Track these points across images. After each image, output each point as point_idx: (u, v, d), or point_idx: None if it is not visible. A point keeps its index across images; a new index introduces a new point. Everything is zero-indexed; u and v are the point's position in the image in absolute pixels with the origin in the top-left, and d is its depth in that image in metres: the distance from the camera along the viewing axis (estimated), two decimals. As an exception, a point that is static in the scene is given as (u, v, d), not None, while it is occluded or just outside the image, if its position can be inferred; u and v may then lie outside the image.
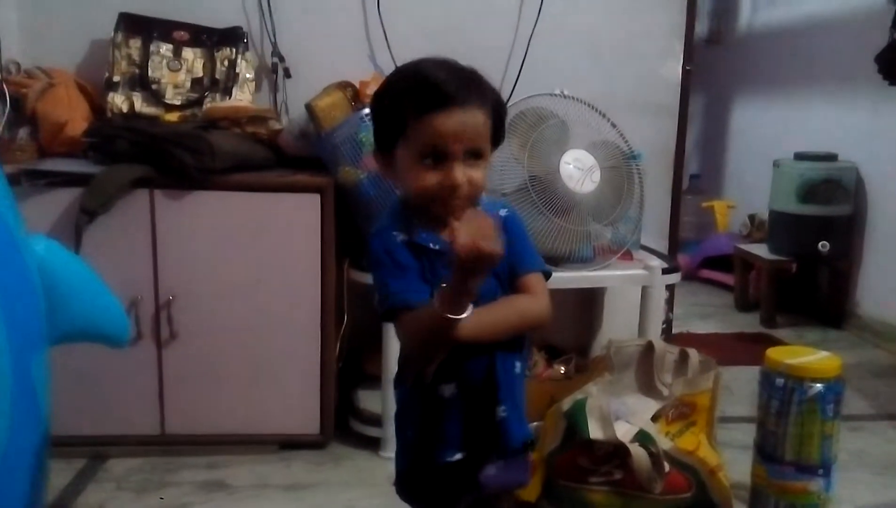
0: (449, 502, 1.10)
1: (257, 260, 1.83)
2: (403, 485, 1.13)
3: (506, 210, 1.09)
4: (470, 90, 0.98)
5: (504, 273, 1.04)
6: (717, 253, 3.73)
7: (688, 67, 2.35)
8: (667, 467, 1.58)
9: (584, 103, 1.97)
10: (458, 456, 1.05)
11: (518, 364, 1.08)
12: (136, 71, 2.03)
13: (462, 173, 0.98)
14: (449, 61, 1.01)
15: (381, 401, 1.91)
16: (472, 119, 0.97)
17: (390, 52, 2.14)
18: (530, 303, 1.04)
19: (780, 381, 1.47)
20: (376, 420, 1.94)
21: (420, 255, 1.01)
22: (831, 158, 3.10)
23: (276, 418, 1.91)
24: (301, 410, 1.91)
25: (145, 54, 2.04)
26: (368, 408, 2.00)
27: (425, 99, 0.96)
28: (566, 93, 1.95)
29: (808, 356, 1.50)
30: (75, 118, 1.95)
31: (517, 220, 1.10)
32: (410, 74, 1.01)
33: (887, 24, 2.73)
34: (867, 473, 1.89)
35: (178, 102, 2.03)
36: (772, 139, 3.66)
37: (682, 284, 2.46)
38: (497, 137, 1.04)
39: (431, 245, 1.01)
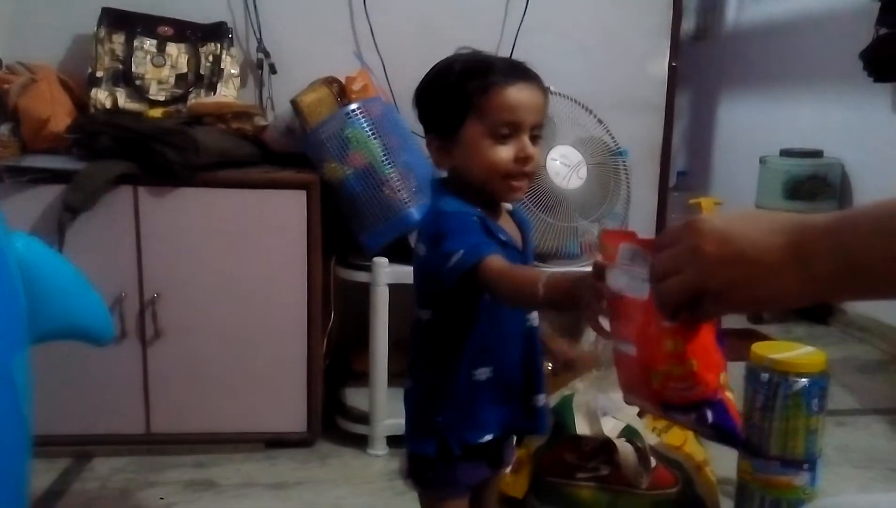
0: (463, 487, 1.12)
1: (243, 257, 1.82)
2: (419, 472, 1.12)
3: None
4: (527, 69, 1.03)
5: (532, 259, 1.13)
6: (704, 249, 3.73)
7: (674, 64, 2.36)
8: (653, 462, 1.58)
9: (571, 100, 1.97)
10: (488, 437, 1.08)
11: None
12: (120, 66, 2.01)
13: (531, 149, 1.01)
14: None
15: (369, 399, 1.91)
16: (538, 94, 1.02)
17: (377, 47, 2.13)
18: None
19: (765, 376, 1.47)
20: (364, 418, 1.94)
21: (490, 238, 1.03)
22: (817, 154, 3.12)
23: (262, 416, 1.90)
24: (288, 408, 1.90)
25: (129, 50, 2.02)
26: (356, 406, 1.99)
27: (498, 72, 1.00)
28: (553, 89, 1.95)
29: (793, 351, 1.51)
30: (58, 114, 1.93)
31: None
32: (467, 59, 1.04)
33: (872, 20, 2.74)
34: (852, 467, 1.91)
35: (162, 98, 2.01)
36: (758, 136, 3.68)
37: (668, 280, 2.46)
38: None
39: (500, 236, 1.04)
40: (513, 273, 0.96)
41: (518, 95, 1.00)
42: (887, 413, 2.28)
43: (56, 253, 1.45)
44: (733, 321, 3.23)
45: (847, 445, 2.01)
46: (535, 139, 1.03)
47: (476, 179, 1.03)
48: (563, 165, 1.88)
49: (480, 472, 1.13)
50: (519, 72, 1.02)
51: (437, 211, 1.05)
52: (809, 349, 1.53)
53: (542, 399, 1.11)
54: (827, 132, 3.19)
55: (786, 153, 3.16)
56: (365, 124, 1.82)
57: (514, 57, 2.14)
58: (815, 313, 3.20)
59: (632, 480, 1.57)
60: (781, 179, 3.11)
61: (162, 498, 1.67)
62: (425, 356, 1.10)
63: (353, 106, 1.82)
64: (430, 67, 1.06)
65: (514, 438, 1.20)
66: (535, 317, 1.11)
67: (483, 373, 1.06)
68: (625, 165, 2.00)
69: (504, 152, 1.00)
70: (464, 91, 1.00)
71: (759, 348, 1.53)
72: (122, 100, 2.00)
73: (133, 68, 2.01)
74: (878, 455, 2.00)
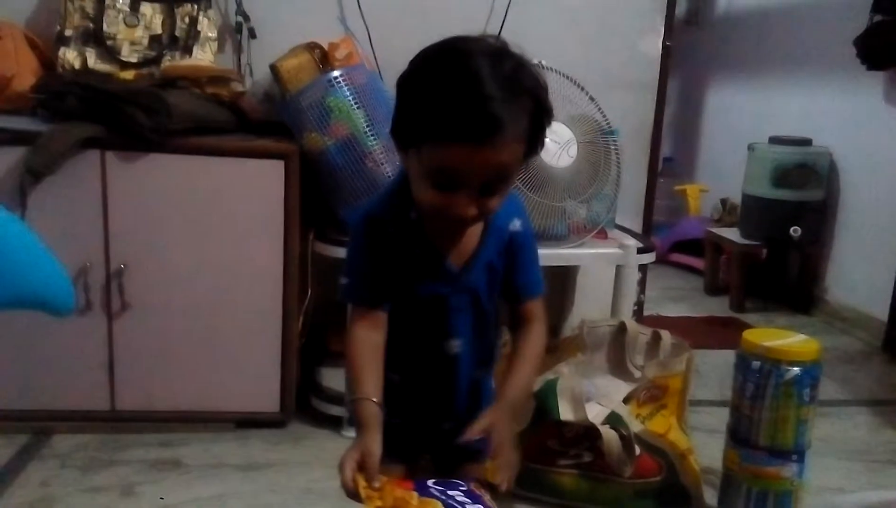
0: (406, 456, 1.04)
1: (216, 229, 1.74)
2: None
3: (519, 222, 0.99)
4: (511, 117, 0.82)
5: (489, 289, 0.98)
6: (689, 237, 3.71)
7: (668, 43, 2.30)
8: (637, 450, 1.54)
9: (563, 75, 1.90)
10: (396, 421, 0.98)
11: (488, 380, 1.06)
12: (90, 25, 1.91)
13: (472, 207, 0.86)
14: (500, 61, 0.84)
15: (345, 379, 1.84)
16: (501, 156, 0.83)
17: (361, 13, 2.04)
18: (541, 341, 1.00)
19: (756, 364, 1.42)
20: (339, 399, 1.88)
21: (409, 247, 0.94)
22: (805, 142, 3.08)
23: (233, 395, 1.83)
24: (260, 387, 1.83)
25: (100, 8, 1.91)
26: (331, 386, 1.93)
27: (456, 124, 0.80)
28: (544, 64, 1.88)
29: (786, 338, 1.46)
30: (23, 73, 1.83)
31: (528, 236, 1.01)
32: (457, 69, 0.83)
33: (866, 7, 2.70)
34: (836, 459, 1.88)
35: (134, 60, 1.91)
36: (747, 123, 3.64)
37: (652, 267, 2.43)
38: (532, 149, 0.89)
39: (415, 250, 0.95)
40: (353, 355, 0.94)
41: (471, 158, 0.81)
42: (871, 405, 2.27)
43: (14, 218, 1.36)
44: (716, 309, 3.21)
45: (831, 436, 1.99)
46: (490, 189, 0.86)
47: (417, 205, 0.92)
48: (554, 143, 1.81)
49: (413, 450, 1.05)
50: (496, 126, 0.80)
51: (362, 208, 0.99)
52: (801, 337, 1.49)
53: (448, 426, 1.01)
54: (817, 120, 3.16)
55: (775, 141, 3.12)
56: (348, 93, 1.74)
57: (505, 28, 2.09)
58: (798, 303, 3.18)
59: (615, 468, 1.53)
60: (769, 167, 3.07)
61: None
62: None
63: (336, 73, 1.74)
64: (420, 46, 0.88)
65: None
66: (454, 345, 0.98)
67: (394, 377, 0.99)
68: (615, 145, 1.94)
69: (437, 199, 0.86)
70: (419, 119, 0.84)
71: (750, 335, 1.48)
72: (92, 60, 1.90)
73: (104, 28, 1.91)
74: (861, 447, 1.98)
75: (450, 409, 1.02)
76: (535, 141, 0.88)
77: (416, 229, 0.94)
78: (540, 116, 0.87)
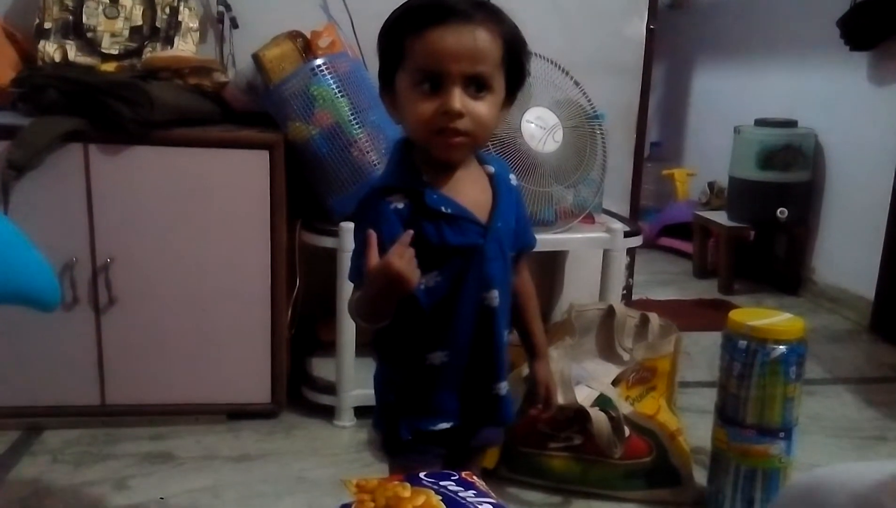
0: (432, 463, 1.04)
1: (202, 221, 1.73)
2: (387, 447, 1.08)
3: (514, 178, 1.04)
4: (476, 6, 0.89)
5: (510, 249, 1.01)
6: (677, 221, 3.72)
7: (651, 27, 2.29)
8: (627, 431, 1.55)
9: (547, 60, 1.89)
10: (444, 425, 1.01)
11: (506, 334, 1.06)
12: (70, 17, 1.89)
13: (461, 101, 0.88)
14: None
15: (336, 369, 1.85)
16: (474, 37, 0.87)
17: (344, 0, 2.03)
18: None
19: (742, 343, 1.43)
20: (330, 388, 1.88)
21: (426, 218, 0.93)
22: (791, 124, 3.09)
23: (224, 386, 1.82)
24: (251, 378, 1.83)
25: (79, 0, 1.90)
26: (322, 376, 1.93)
27: (422, 12, 0.88)
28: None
29: (771, 317, 1.47)
30: (2, 67, 1.81)
31: (521, 192, 1.08)
32: (416, 1, 0.93)
33: (850, -12, 2.71)
34: (823, 436, 1.90)
35: (115, 52, 1.89)
36: (733, 106, 3.64)
37: (641, 251, 2.43)
38: (514, 76, 0.95)
39: (443, 209, 0.94)
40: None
41: (444, 38, 0.86)
42: (857, 383, 2.29)
43: (-3, 212, 1.36)
44: (705, 292, 3.22)
45: (818, 414, 2.01)
46: (481, 91, 0.89)
47: (413, 137, 0.95)
48: (539, 128, 1.81)
49: (433, 460, 1.04)
50: (460, 7, 0.87)
51: (369, 186, 0.98)
52: (787, 315, 1.50)
53: (503, 388, 1.03)
54: (802, 102, 3.17)
55: (760, 123, 3.13)
56: (331, 81, 1.73)
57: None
58: (786, 284, 3.20)
59: (605, 450, 1.54)
60: (755, 150, 3.08)
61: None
62: (382, 335, 1.02)
63: (319, 61, 1.73)
64: None
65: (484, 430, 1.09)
66: (493, 296, 0.99)
67: (437, 357, 0.98)
68: (601, 130, 1.93)
69: (427, 108, 0.89)
70: (394, 38, 0.91)
71: (736, 314, 1.49)
72: (73, 53, 1.88)
73: (84, 20, 1.89)
74: (848, 424, 2.00)
75: (498, 367, 1.02)
76: (513, 64, 0.93)
77: (431, 191, 0.94)
78: (514, 39, 0.93)
